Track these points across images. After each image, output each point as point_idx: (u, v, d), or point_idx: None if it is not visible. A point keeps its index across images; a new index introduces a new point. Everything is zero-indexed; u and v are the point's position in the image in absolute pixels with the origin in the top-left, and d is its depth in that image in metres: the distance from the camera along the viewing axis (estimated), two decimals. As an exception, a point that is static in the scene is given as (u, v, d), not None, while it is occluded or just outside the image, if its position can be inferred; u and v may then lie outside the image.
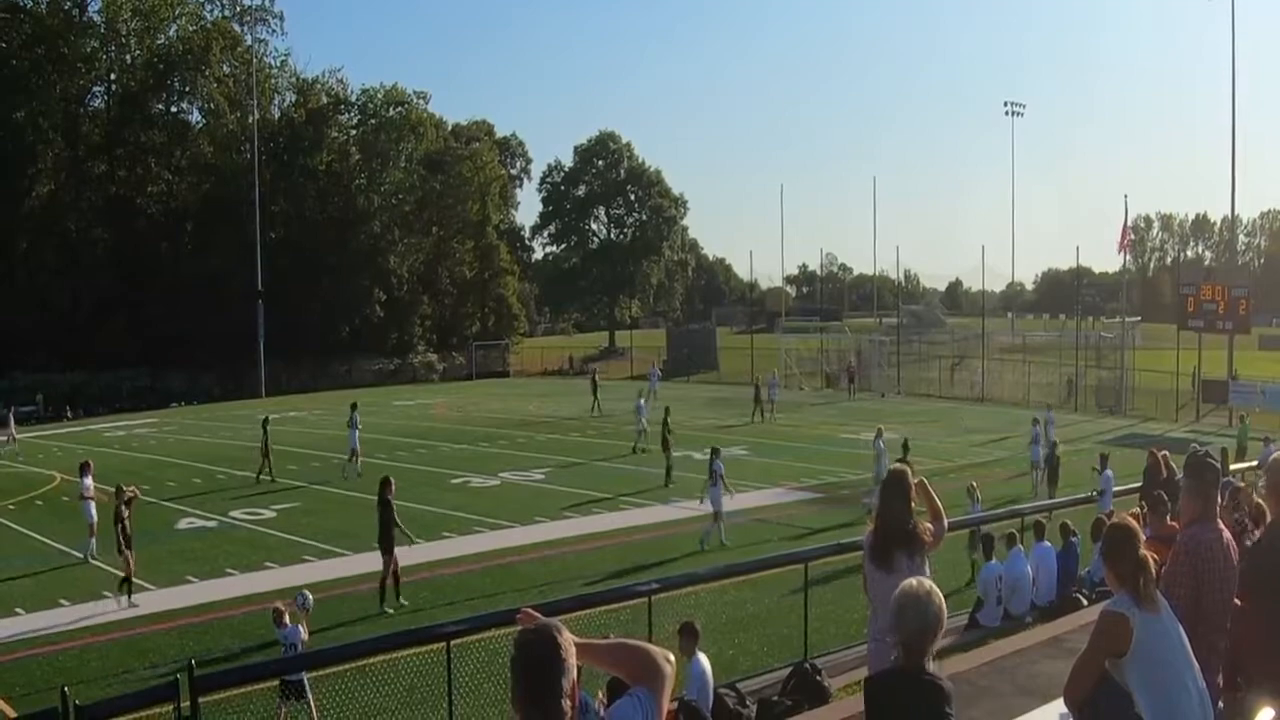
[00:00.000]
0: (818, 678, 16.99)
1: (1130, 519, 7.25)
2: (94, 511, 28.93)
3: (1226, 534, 8.05)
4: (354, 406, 45.66)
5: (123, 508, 25.33)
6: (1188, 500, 8.21)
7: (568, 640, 4.19)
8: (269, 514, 34.80)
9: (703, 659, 15.43)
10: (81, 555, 28.94)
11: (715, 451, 32.78)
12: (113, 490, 26.77)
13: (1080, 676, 6.84)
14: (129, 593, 24.76)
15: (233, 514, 34.76)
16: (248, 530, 32.60)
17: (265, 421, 43.51)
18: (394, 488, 25.63)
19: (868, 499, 36.43)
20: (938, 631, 5.87)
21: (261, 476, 41.44)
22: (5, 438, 55.75)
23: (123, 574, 24.95)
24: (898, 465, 11.22)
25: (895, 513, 10.27)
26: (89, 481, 29.59)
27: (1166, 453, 25.68)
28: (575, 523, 32.37)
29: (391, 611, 24.04)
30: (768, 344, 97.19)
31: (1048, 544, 22.42)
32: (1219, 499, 8.45)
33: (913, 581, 6.03)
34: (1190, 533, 7.98)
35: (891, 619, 6.01)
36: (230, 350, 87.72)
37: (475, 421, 60.40)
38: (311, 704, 16.34)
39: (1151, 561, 6.81)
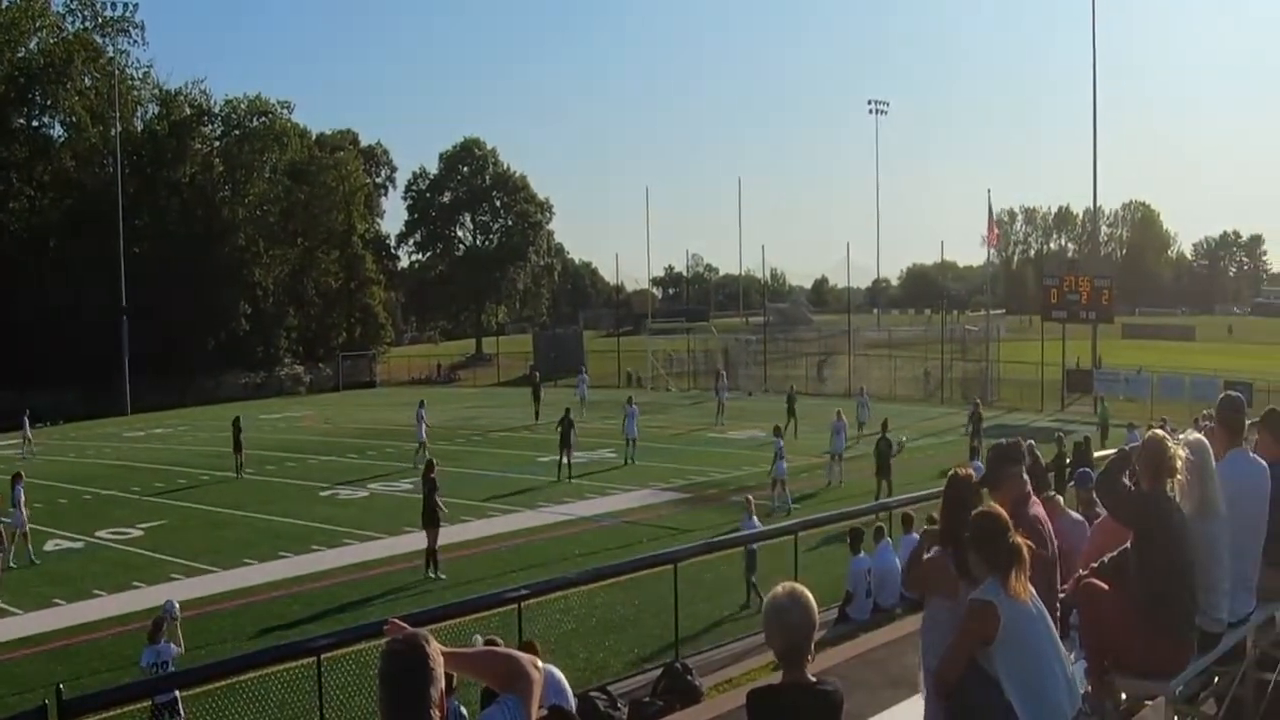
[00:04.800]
0: (689, 677, 17.01)
1: (998, 506, 7.19)
2: (24, 518, 29.97)
3: (1040, 510, 8.11)
4: (421, 403, 50.61)
5: None
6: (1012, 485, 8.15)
7: (435, 650, 4.14)
8: (136, 533, 34.20)
9: (551, 668, 15.39)
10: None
11: (777, 430, 38.14)
12: None
13: (949, 665, 6.82)
14: None
15: (99, 534, 34.07)
16: (115, 550, 32.04)
17: (236, 420, 47.00)
18: (436, 469, 30.26)
19: (834, 470, 40.16)
20: (810, 636, 5.65)
21: (242, 472, 45.00)
22: None
23: None
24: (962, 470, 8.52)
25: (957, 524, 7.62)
26: (20, 490, 30.46)
27: (1032, 442, 25.90)
28: (444, 531, 32.11)
29: (445, 577, 27.22)
30: (635, 346, 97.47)
31: (915, 536, 22.52)
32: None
33: (778, 590, 5.77)
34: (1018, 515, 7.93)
35: (764, 630, 5.86)
36: (95, 367, 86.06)
37: (343, 433, 60.02)
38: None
39: (1025, 549, 6.77)
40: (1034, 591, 6.76)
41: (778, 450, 36.09)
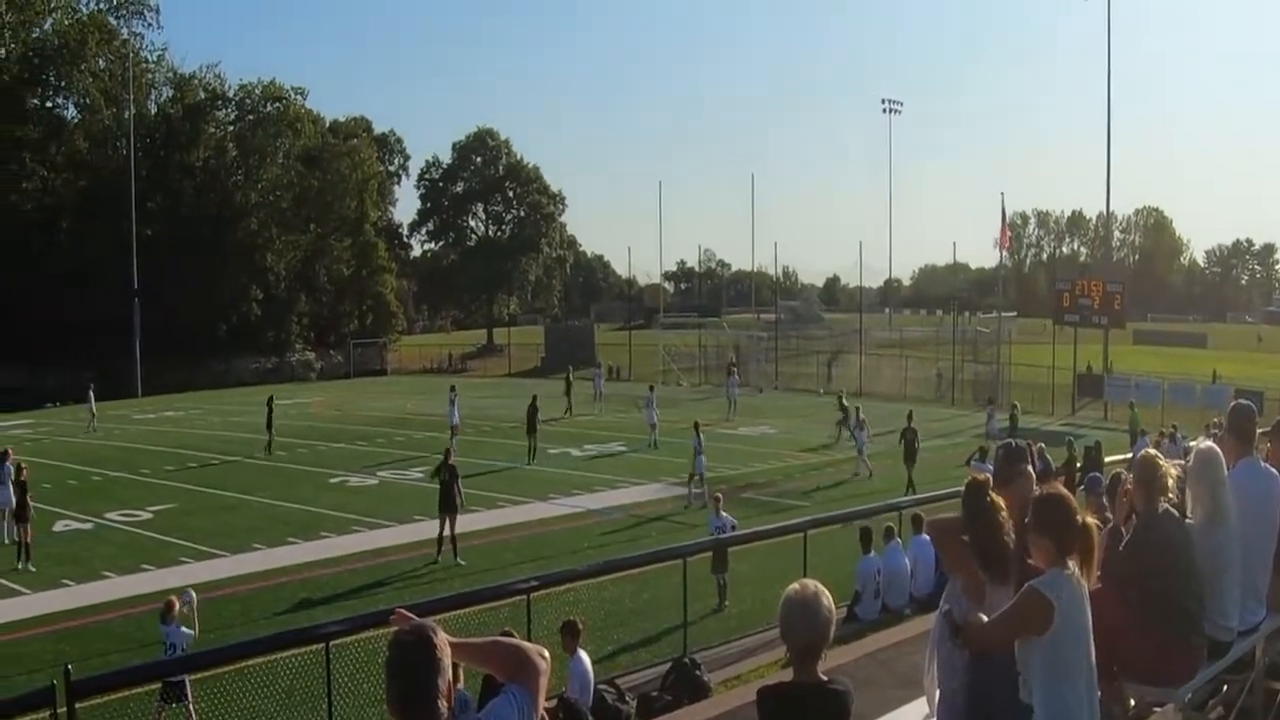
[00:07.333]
0: (697, 673, 17.05)
1: (1061, 488, 6.97)
2: (11, 495, 29.77)
3: None
4: (452, 388, 53.00)
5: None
6: (1022, 483, 8.16)
7: (443, 640, 4.16)
8: (145, 515, 34.22)
9: (584, 656, 15.45)
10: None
11: (697, 425, 38.53)
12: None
13: (991, 635, 6.65)
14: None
15: (109, 515, 34.12)
16: (124, 532, 32.09)
17: (270, 400, 50.09)
18: (454, 455, 30.42)
19: (863, 464, 41.25)
20: (829, 635, 5.57)
21: (272, 450, 46.95)
22: None
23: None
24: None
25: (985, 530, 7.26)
26: (9, 466, 30.26)
27: (1042, 445, 26.05)
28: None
29: (464, 563, 27.56)
30: (646, 340, 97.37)
31: (925, 536, 22.54)
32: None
33: (799, 587, 5.64)
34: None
35: (780, 626, 5.69)
36: (106, 349, 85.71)
37: (353, 420, 60.01)
38: (191, 706, 16.18)
39: (1095, 532, 6.62)
40: (1086, 585, 6.50)
41: (696, 445, 36.65)
